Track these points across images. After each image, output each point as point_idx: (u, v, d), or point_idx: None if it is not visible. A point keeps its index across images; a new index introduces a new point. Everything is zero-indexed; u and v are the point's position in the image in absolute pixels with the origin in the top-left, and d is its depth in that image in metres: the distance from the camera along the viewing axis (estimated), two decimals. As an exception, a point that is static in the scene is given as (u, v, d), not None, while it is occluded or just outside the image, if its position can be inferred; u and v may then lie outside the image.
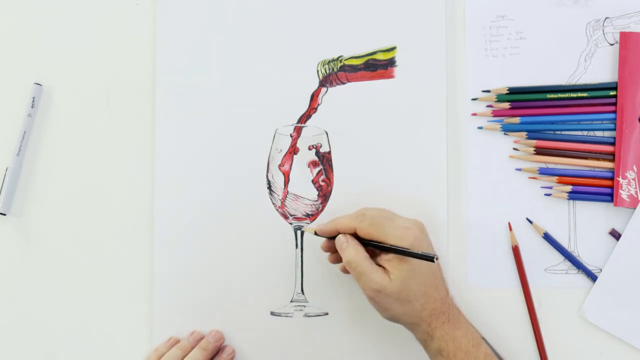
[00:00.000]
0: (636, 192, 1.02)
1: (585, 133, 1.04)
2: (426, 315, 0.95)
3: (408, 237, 0.95)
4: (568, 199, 1.04)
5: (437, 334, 0.95)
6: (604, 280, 1.02)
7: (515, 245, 1.04)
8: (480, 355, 0.95)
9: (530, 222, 1.04)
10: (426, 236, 0.98)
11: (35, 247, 1.08)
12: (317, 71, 1.07)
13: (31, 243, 1.08)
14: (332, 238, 0.99)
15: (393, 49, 1.06)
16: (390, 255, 0.95)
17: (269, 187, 1.06)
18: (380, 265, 0.96)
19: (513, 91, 1.05)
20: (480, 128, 1.05)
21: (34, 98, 1.09)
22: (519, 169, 1.05)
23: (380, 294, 0.95)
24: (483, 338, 0.99)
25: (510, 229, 1.04)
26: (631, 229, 1.02)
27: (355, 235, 0.98)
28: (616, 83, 1.03)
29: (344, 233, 0.98)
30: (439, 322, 0.95)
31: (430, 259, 0.92)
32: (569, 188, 1.03)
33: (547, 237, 1.03)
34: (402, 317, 0.96)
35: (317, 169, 1.06)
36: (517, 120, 1.04)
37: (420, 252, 0.94)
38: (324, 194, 1.06)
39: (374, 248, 0.97)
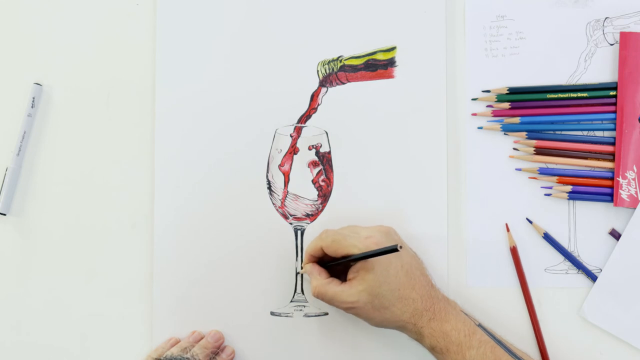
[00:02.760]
0: (636, 192, 1.02)
1: (585, 133, 1.04)
2: (408, 317, 0.95)
3: (370, 246, 0.95)
4: (568, 199, 1.04)
5: (425, 332, 0.95)
6: (604, 280, 1.02)
7: (513, 246, 1.04)
8: (474, 343, 0.95)
9: (530, 222, 1.04)
10: (392, 238, 0.98)
11: (35, 247, 1.08)
12: (317, 71, 1.07)
13: (31, 243, 1.08)
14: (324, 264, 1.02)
15: (393, 49, 1.06)
16: (357, 266, 0.96)
17: (269, 187, 1.06)
18: (352, 279, 0.97)
19: (513, 91, 1.05)
20: (480, 128, 1.05)
21: (34, 98, 1.09)
22: (519, 169, 1.05)
23: (354, 309, 0.96)
24: (479, 325, 0.98)
25: (508, 230, 1.04)
26: (631, 229, 1.02)
27: (324, 260, 1.00)
28: (616, 83, 1.03)
29: (315, 257, 1.00)
30: (424, 320, 0.95)
31: (392, 249, 0.91)
32: (569, 188, 1.03)
33: (547, 237, 1.03)
34: (386, 323, 0.97)
35: (317, 169, 1.06)
36: (517, 120, 1.04)
37: (380, 249, 0.94)
38: (324, 194, 1.06)
39: (338, 265, 0.99)
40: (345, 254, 0.97)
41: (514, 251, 1.04)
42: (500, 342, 0.97)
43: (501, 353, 0.95)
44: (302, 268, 1.04)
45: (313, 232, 1.05)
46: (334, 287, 0.97)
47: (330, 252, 0.98)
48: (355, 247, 0.95)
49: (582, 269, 1.03)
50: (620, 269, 1.02)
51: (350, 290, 0.96)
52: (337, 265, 1.00)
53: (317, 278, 0.99)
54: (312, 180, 1.06)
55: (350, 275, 0.97)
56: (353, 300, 0.96)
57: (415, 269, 0.97)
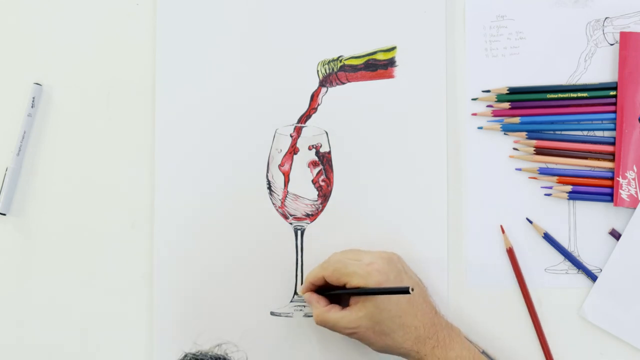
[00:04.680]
0: (636, 192, 1.02)
1: (585, 133, 1.04)
2: (410, 344, 0.95)
3: (371, 274, 0.94)
4: (568, 199, 1.04)
5: None
6: (604, 280, 1.02)
7: (510, 247, 1.04)
8: None
9: (530, 222, 1.04)
10: (394, 266, 0.97)
11: (35, 247, 1.08)
12: (317, 71, 1.07)
13: (31, 243, 1.08)
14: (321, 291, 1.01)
15: (393, 49, 1.06)
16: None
17: (269, 187, 1.06)
18: (353, 304, 0.96)
19: (513, 91, 1.05)
20: (480, 128, 1.05)
21: (34, 98, 1.08)
22: (519, 169, 1.05)
23: (355, 334, 0.96)
24: (483, 352, 0.98)
25: (503, 231, 1.04)
26: (631, 229, 1.02)
27: (327, 287, 0.99)
28: (616, 83, 1.03)
29: (316, 285, 1.00)
30: (428, 347, 0.94)
31: (404, 291, 0.90)
32: (569, 188, 1.03)
33: (547, 237, 1.03)
34: (388, 349, 0.96)
35: (317, 169, 1.06)
36: (517, 120, 1.04)
37: (389, 288, 0.94)
38: (324, 194, 1.06)
39: (343, 294, 0.98)
40: (346, 282, 0.96)
41: (510, 252, 1.04)
42: None
43: None
44: (301, 291, 1.03)
45: (313, 232, 1.05)
46: (334, 314, 0.97)
47: (332, 281, 0.98)
48: (357, 275, 0.95)
49: (582, 269, 1.03)
50: (620, 269, 1.02)
51: (350, 316, 0.96)
52: (340, 295, 0.99)
53: (317, 306, 0.99)
54: (312, 180, 1.06)
55: (352, 300, 0.97)
56: (354, 326, 0.95)
57: (418, 295, 0.96)
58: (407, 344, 0.94)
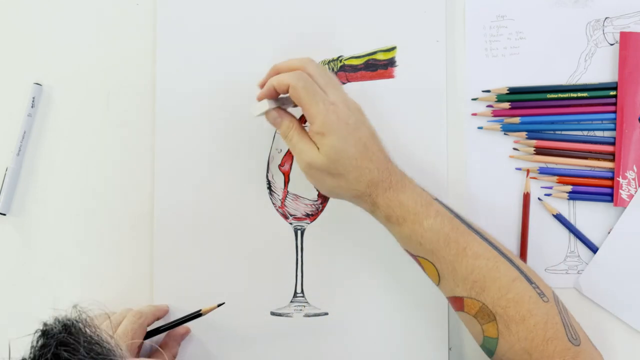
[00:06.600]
0: (636, 192, 1.02)
1: (585, 133, 1.04)
2: (364, 187, 0.94)
3: (330, 118, 0.92)
4: (568, 199, 1.04)
5: (380, 202, 0.94)
6: (601, 257, 1.02)
7: (527, 192, 1.04)
8: (431, 213, 0.93)
9: (540, 199, 1.04)
10: (356, 115, 0.95)
11: (35, 247, 1.08)
12: (317, 71, 1.07)
13: (31, 243, 1.08)
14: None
15: (393, 49, 1.06)
16: (315, 128, 0.93)
17: (269, 187, 1.06)
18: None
19: (513, 91, 1.05)
20: (480, 128, 1.05)
21: (34, 98, 1.09)
22: (519, 169, 1.05)
23: (311, 168, 0.94)
24: (436, 199, 0.97)
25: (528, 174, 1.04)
26: (633, 206, 1.01)
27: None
28: (616, 83, 1.03)
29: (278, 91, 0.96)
30: (380, 190, 0.94)
31: (198, 315, 1.00)
32: (569, 188, 1.04)
33: (560, 218, 1.03)
34: (339, 191, 0.95)
35: (317, 169, 1.06)
36: (517, 120, 1.04)
37: (184, 317, 1.01)
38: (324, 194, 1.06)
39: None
40: (305, 116, 0.94)
41: (526, 198, 1.04)
42: (457, 215, 0.95)
43: (458, 224, 0.94)
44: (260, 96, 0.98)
45: (313, 232, 1.05)
46: (302, 136, 0.95)
47: (292, 97, 0.94)
48: (318, 118, 0.92)
49: (588, 246, 1.03)
50: (620, 245, 1.02)
51: (312, 147, 0.94)
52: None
53: (292, 119, 0.96)
54: (312, 180, 1.06)
55: (309, 135, 0.95)
56: (313, 156, 0.93)
57: (373, 143, 0.95)
58: (361, 186, 0.94)
